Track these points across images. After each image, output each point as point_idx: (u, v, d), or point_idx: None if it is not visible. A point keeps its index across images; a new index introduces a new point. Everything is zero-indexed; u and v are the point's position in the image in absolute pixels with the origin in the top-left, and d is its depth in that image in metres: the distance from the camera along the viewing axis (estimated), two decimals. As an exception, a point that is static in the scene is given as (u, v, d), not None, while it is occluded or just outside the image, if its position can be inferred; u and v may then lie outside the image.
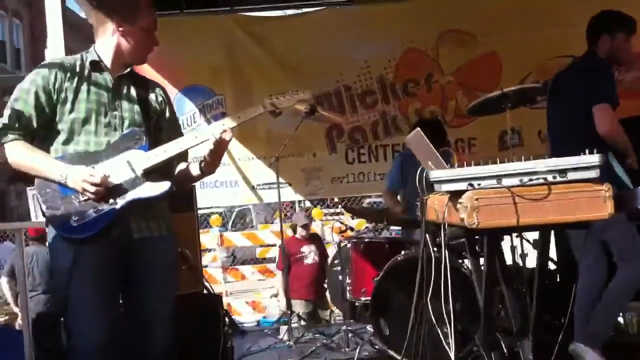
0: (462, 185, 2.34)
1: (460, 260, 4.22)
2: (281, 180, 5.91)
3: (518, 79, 5.78)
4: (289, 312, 5.21)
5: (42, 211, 2.60)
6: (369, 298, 4.44)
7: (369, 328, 4.63)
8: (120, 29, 2.71)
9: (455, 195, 2.41)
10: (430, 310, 3.01)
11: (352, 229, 5.55)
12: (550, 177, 2.28)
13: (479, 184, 2.34)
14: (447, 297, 2.67)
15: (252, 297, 8.31)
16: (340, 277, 4.84)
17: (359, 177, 6.13)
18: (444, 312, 2.69)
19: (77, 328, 2.57)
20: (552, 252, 4.34)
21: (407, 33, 5.98)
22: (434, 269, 3.05)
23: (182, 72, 5.83)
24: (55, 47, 4.07)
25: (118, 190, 2.60)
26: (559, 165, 2.27)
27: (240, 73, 6.06)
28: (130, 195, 2.61)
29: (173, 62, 5.51)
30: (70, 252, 2.52)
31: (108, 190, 2.56)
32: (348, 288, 4.68)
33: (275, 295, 6.88)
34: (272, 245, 9.38)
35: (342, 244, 4.99)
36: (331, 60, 5.99)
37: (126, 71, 2.77)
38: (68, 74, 2.67)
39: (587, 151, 2.27)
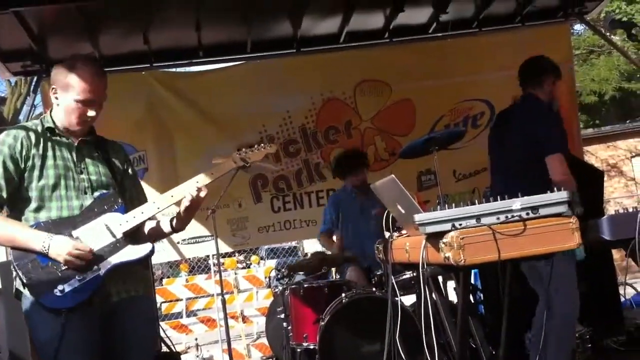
0: (446, 226, 2.52)
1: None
2: (209, 233, 5.95)
3: (431, 123, 6.19)
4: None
5: (22, 282, 2.52)
6: (311, 343, 4.52)
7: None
8: (56, 96, 2.72)
9: (436, 236, 2.60)
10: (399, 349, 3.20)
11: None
12: (524, 214, 2.52)
13: (460, 224, 2.53)
14: (424, 333, 2.83)
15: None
16: (284, 324, 4.88)
17: (285, 225, 6.20)
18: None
19: None
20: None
21: (326, 83, 6.19)
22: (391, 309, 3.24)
23: (102, 128, 5.67)
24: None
25: (100, 256, 2.58)
26: (532, 202, 2.51)
27: (161, 129, 6.04)
28: (114, 260, 2.60)
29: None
30: (55, 323, 2.46)
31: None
32: (289, 334, 4.74)
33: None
34: (180, 300, 9.34)
35: (281, 290, 5.03)
36: (253, 113, 6.09)
37: (87, 138, 2.78)
38: (34, 140, 2.65)
39: (554, 189, 2.53)
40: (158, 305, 9.21)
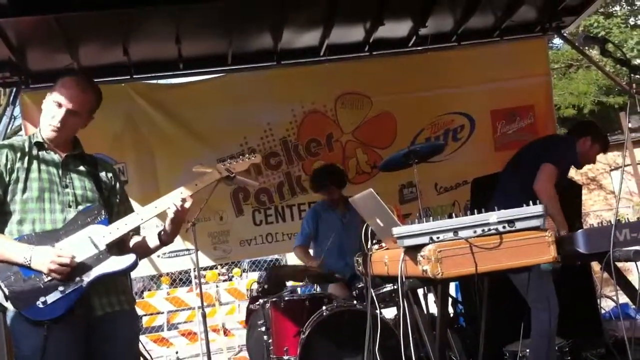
0: (424, 240, 2.53)
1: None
2: (189, 246, 5.91)
3: (412, 135, 6.22)
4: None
5: (5, 294, 2.49)
6: (292, 356, 4.51)
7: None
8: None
9: (414, 249, 2.60)
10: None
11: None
12: (500, 227, 2.53)
13: (437, 237, 2.54)
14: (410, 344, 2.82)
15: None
16: (265, 337, 4.85)
17: (267, 238, 6.18)
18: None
19: None
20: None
21: (307, 96, 6.21)
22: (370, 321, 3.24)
23: (82, 139, 5.63)
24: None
25: (83, 267, 2.57)
26: (508, 216, 2.53)
27: (141, 141, 6.00)
28: (96, 272, 2.58)
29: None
30: (38, 335, 2.45)
31: (73, 269, 2.52)
32: (270, 347, 4.71)
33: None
34: (161, 313, 9.27)
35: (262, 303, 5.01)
36: (234, 125, 6.07)
37: (74, 153, 2.77)
38: (18, 154, 2.65)
39: (530, 203, 2.55)
40: (139, 318, 9.17)
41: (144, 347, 4.24)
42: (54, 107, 2.69)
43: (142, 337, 8.38)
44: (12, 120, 6.12)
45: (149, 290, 12.33)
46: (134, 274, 6.45)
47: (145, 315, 9.11)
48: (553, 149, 3.97)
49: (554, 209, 3.69)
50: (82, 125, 2.80)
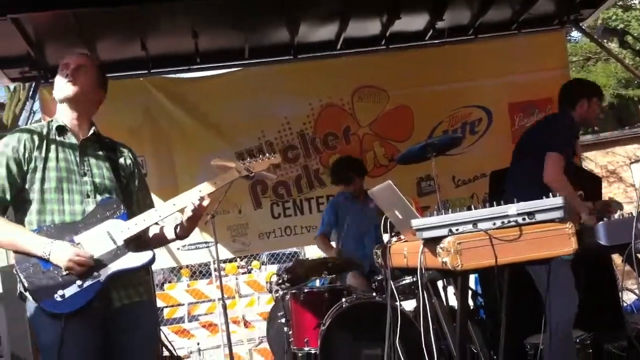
0: (443, 232, 2.52)
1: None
2: (208, 239, 5.95)
3: (429, 129, 6.20)
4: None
5: (24, 285, 2.52)
6: (312, 348, 4.53)
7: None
8: None
9: (433, 241, 2.60)
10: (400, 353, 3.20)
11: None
12: (520, 219, 2.52)
13: (457, 229, 2.53)
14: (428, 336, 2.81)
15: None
16: (285, 329, 4.87)
17: (286, 231, 6.20)
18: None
19: None
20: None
21: (324, 89, 6.21)
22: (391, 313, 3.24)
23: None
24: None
25: (101, 262, 2.58)
26: (528, 208, 2.52)
27: (159, 134, 6.04)
28: (114, 267, 2.60)
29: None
30: (56, 328, 2.47)
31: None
32: (290, 339, 4.74)
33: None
34: (181, 305, 9.33)
35: (282, 295, 5.02)
36: (251, 118, 6.09)
37: (90, 133, 2.77)
38: (37, 142, 2.66)
39: (550, 194, 2.54)
40: (160, 310, 9.25)
41: (166, 338, 4.26)
42: (62, 72, 2.73)
43: (163, 329, 8.48)
44: (32, 115, 6.14)
45: (170, 282, 12.43)
46: (154, 266, 6.54)
47: (166, 307, 9.18)
48: (550, 134, 3.87)
49: (570, 196, 3.66)
50: (93, 94, 2.80)
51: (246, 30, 5.54)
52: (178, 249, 6.07)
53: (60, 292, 2.48)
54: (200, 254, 6.14)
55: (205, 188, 2.76)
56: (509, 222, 2.52)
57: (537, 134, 4.09)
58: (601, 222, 2.97)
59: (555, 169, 3.66)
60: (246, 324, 8.84)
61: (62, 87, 2.74)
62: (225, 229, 6.07)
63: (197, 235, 5.95)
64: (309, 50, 6.10)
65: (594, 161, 14.95)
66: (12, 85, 12.33)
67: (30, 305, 2.56)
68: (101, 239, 2.61)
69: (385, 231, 3.13)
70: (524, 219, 2.52)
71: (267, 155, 2.96)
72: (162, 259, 6.11)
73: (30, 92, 5.75)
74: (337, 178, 5.59)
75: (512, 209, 2.52)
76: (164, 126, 6.05)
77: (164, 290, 9.86)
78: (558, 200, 2.51)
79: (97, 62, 2.91)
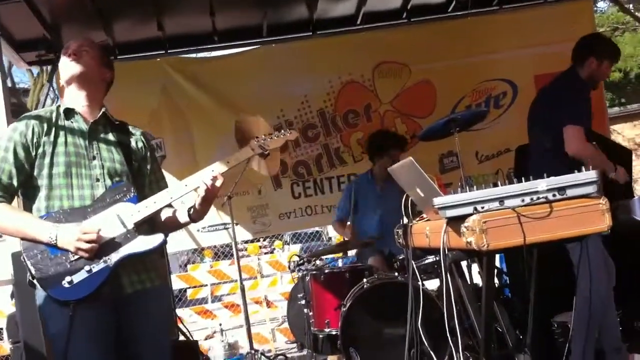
0: (468, 210, 2.41)
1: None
2: (228, 220, 5.90)
3: (452, 104, 6.08)
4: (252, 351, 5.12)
5: (31, 273, 2.47)
6: (333, 329, 4.47)
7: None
8: None
9: (457, 220, 2.49)
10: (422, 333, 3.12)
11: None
12: (550, 196, 2.39)
13: (482, 207, 2.42)
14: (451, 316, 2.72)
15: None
16: (305, 310, 4.82)
17: (307, 211, 6.14)
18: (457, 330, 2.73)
19: None
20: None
21: (344, 66, 6.10)
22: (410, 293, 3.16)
23: (119, 116, 5.67)
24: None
25: (110, 246, 2.51)
26: (559, 183, 2.39)
27: (178, 115, 5.99)
28: (124, 251, 2.53)
29: (109, 107, 5.41)
30: (65, 315, 2.41)
31: (100, 247, 2.48)
32: (311, 320, 4.68)
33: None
34: (204, 286, 9.36)
35: (302, 276, 4.97)
36: (270, 97, 6.01)
37: (99, 114, 2.70)
38: (45, 127, 2.60)
39: (582, 168, 2.41)
40: (183, 291, 9.28)
41: (182, 323, 4.23)
42: (65, 54, 2.69)
43: (186, 309, 8.51)
44: (57, 99, 6.13)
45: (193, 262, 12.48)
46: (177, 247, 6.56)
47: (189, 287, 9.21)
48: (563, 105, 3.73)
49: (598, 161, 3.55)
50: (98, 71, 2.74)
51: (264, 7, 5.44)
52: (198, 230, 6.04)
53: (68, 279, 2.43)
54: (219, 235, 6.10)
55: (218, 167, 2.67)
56: (538, 198, 2.39)
57: (551, 106, 3.91)
58: (637, 197, 2.84)
59: (577, 140, 3.54)
60: (269, 304, 8.83)
61: (67, 66, 2.68)
62: (245, 210, 6.04)
63: (216, 216, 5.91)
64: (328, 26, 6.00)
65: (621, 134, 14.66)
66: (35, 70, 12.38)
67: (40, 293, 2.50)
68: (111, 223, 2.54)
69: (407, 211, 3.02)
70: (554, 195, 2.39)
71: (283, 132, 2.87)
72: (183, 241, 6.11)
73: (49, 76, 5.71)
74: (376, 151, 5.33)
75: (542, 184, 2.39)
76: (182, 107, 5.99)
77: (187, 271, 9.88)
78: (591, 174, 2.38)
79: (99, 43, 2.85)
